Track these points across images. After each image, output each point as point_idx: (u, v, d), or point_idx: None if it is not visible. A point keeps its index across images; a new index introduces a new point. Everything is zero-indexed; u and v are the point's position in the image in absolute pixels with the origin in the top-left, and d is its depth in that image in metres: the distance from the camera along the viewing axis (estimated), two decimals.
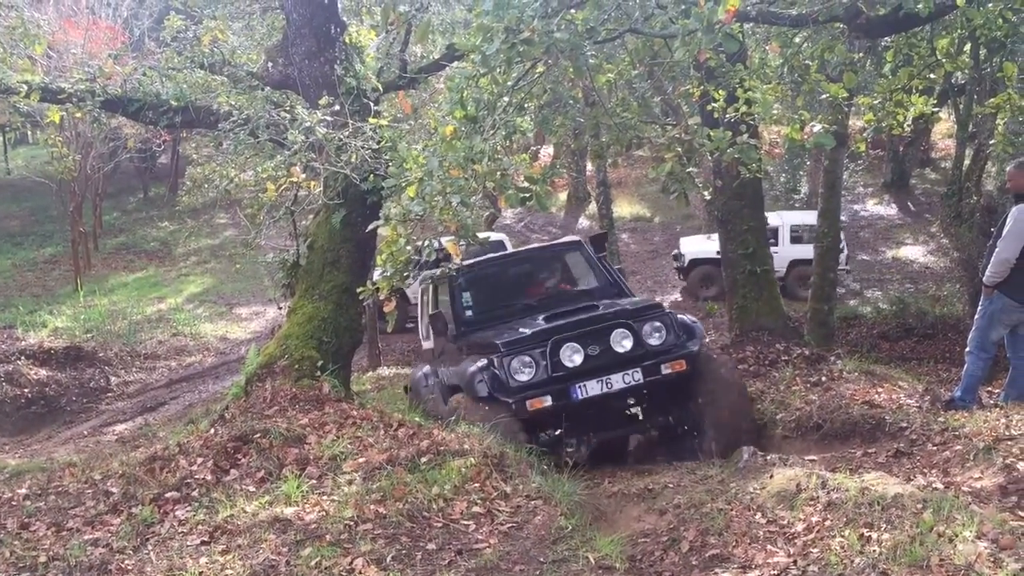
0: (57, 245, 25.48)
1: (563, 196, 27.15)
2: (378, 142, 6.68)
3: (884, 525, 4.31)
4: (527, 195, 5.62)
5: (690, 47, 4.45)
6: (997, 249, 6.50)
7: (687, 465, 6.61)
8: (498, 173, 5.27)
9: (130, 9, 21.08)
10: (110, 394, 15.79)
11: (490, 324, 7.63)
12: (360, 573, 4.22)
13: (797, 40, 8.47)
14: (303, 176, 6.79)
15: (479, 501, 4.95)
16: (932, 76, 9.04)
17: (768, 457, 6.20)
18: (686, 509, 5.31)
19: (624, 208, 25.68)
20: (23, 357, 15.86)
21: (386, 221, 5.45)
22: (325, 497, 5.01)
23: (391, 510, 4.75)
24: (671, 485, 6.15)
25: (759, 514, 4.79)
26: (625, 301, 7.69)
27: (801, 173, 23.75)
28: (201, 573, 4.23)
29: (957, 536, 4.07)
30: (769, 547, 4.43)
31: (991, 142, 12.95)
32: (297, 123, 6.71)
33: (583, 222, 25.71)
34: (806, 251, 15.65)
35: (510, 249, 14.08)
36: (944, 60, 8.76)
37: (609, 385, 6.73)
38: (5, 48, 8.80)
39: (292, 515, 4.77)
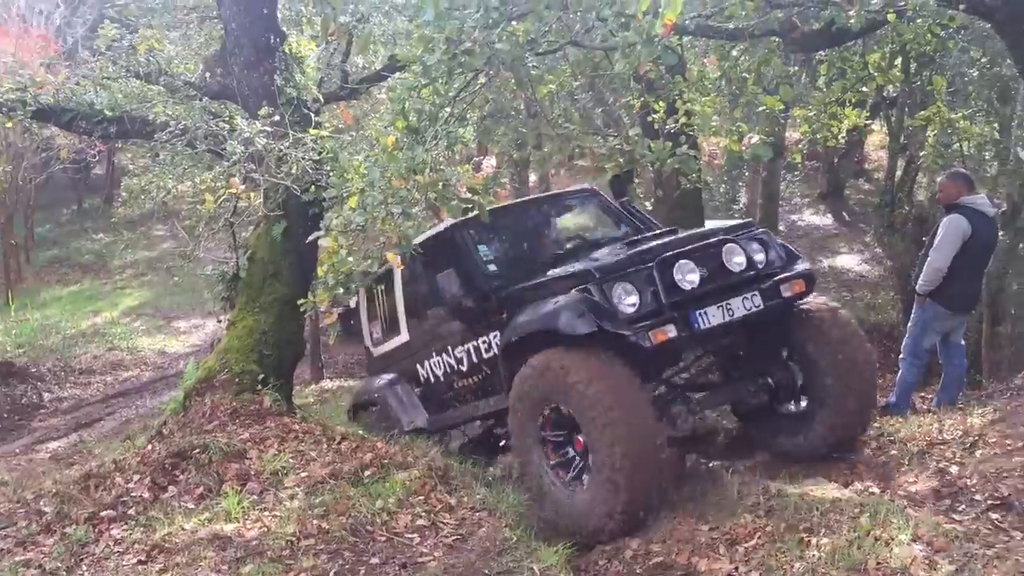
0: None
1: None
2: (319, 153, 6.62)
3: (823, 530, 4.39)
4: (469, 206, 5.62)
5: (630, 59, 4.49)
6: (929, 258, 6.67)
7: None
8: (440, 184, 5.26)
9: (63, 17, 20.57)
10: (43, 411, 15.32)
11: (527, 277, 6.05)
12: None
13: (734, 53, 8.62)
14: (243, 187, 6.69)
15: (423, 514, 4.93)
16: (864, 89, 9.26)
17: (711, 464, 6.28)
18: None
19: None
20: None
21: (327, 232, 5.39)
22: (266, 513, 4.93)
23: (334, 525, 4.70)
24: None
25: (702, 521, 4.85)
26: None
27: (740, 184, 24.12)
28: None
29: (893, 540, 4.16)
30: (711, 554, 4.48)
31: (922, 154, 13.32)
32: (236, 134, 6.62)
33: None
34: None
35: None
36: (876, 74, 9.00)
37: (730, 312, 5.36)
38: None
39: (232, 532, 4.69)
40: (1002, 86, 12.06)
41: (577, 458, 5.29)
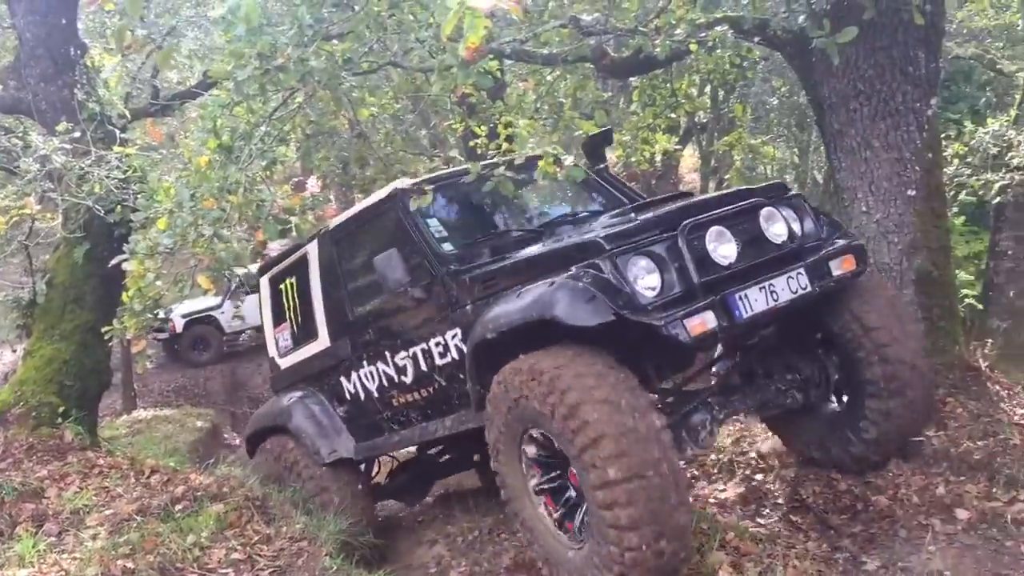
0: None
1: None
2: (125, 171, 6.29)
3: None
4: (287, 227, 5.48)
5: (447, 82, 4.52)
6: None
7: None
8: (255, 204, 5.10)
9: None
10: None
11: (493, 257, 4.80)
12: None
13: (550, 78, 8.86)
14: (38, 208, 6.28)
15: (239, 547, 4.72)
16: (674, 115, 9.74)
17: None
18: (455, 539, 5.34)
19: None
20: None
21: (132, 255, 5.11)
22: (65, 555, 4.59)
23: (141, 564, 4.43)
24: (441, 516, 6.18)
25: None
26: None
27: None
28: None
29: (704, 546, 4.37)
30: None
31: (726, 176, 14.15)
32: (31, 150, 6.20)
33: None
34: None
35: None
36: (684, 100, 9.47)
37: (775, 296, 4.17)
38: None
39: None
40: (800, 114, 12.97)
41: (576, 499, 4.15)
